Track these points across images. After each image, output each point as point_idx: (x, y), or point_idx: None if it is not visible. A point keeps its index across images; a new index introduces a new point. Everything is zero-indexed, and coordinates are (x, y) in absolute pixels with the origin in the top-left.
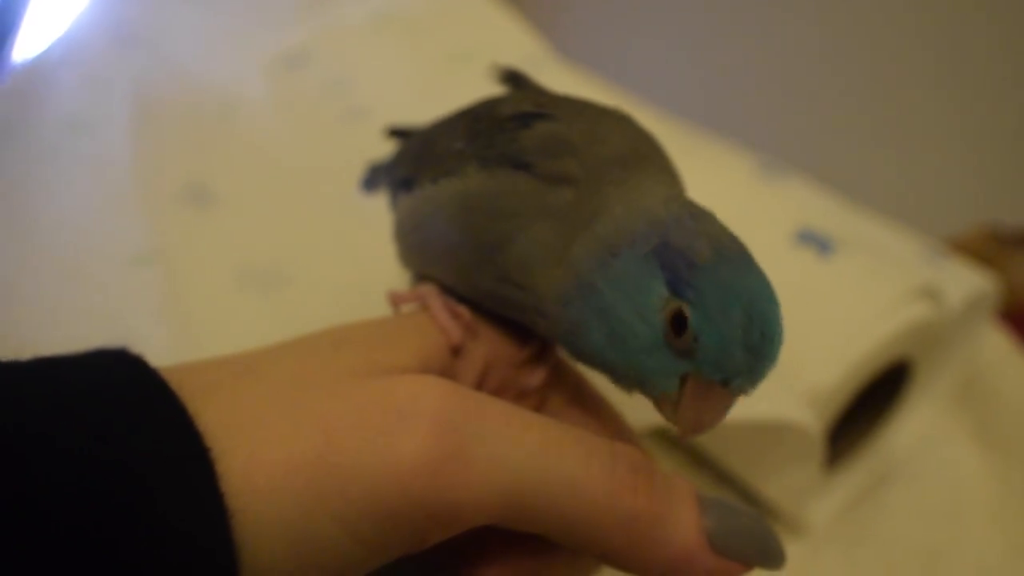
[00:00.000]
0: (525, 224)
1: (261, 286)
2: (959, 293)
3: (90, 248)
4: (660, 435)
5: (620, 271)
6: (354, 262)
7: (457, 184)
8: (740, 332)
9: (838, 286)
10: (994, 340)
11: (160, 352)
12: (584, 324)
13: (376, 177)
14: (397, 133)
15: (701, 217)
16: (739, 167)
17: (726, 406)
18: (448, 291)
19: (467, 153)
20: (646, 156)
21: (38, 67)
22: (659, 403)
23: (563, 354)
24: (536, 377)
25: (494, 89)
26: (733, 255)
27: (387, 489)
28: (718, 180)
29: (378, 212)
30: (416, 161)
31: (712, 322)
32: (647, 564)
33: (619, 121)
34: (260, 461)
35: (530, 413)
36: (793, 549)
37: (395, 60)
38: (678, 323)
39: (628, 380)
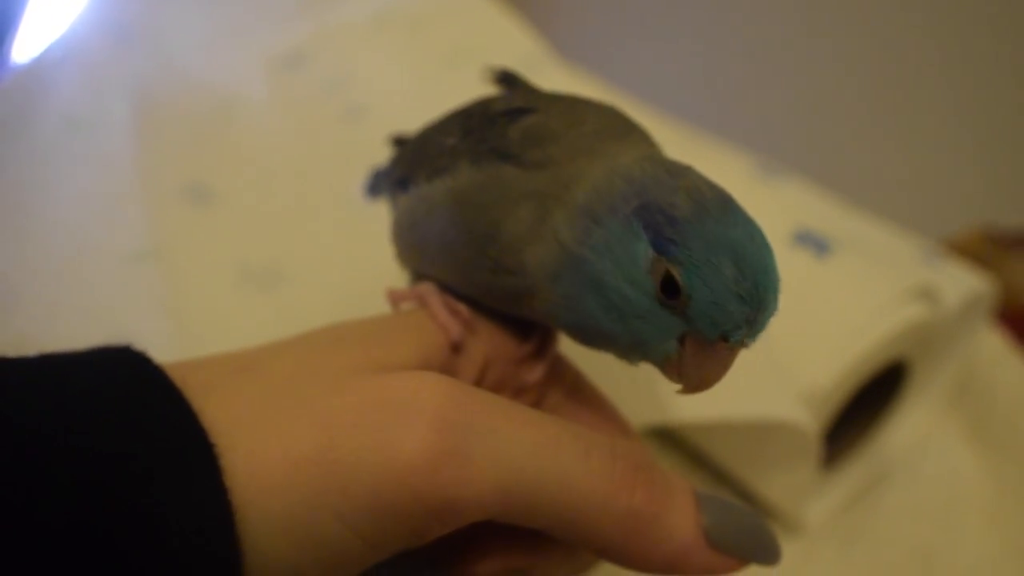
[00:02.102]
0: (510, 209)
1: (260, 284)
2: (955, 294)
3: (89, 246)
4: (658, 433)
5: (603, 238)
6: (353, 261)
7: (449, 182)
8: (732, 284)
9: (835, 287)
10: (990, 341)
11: (159, 349)
12: (577, 297)
13: (379, 182)
14: (401, 142)
15: (678, 171)
16: (736, 168)
17: (728, 361)
18: (446, 289)
19: (459, 151)
20: (622, 129)
21: (38, 66)
22: (663, 367)
23: (562, 348)
24: (535, 373)
25: (492, 89)
26: (714, 205)
27: (387, 485)
28: (716, 181)
29: (377, 211)
30: (411, 161)
31: (702, 279)
32: (645, 559)
33: (599, 106)
34: (263, 457)
35: (529, 409)
36: (789, 548)
37: (394, 59)
38: (668, 284)
39: (629, 348)
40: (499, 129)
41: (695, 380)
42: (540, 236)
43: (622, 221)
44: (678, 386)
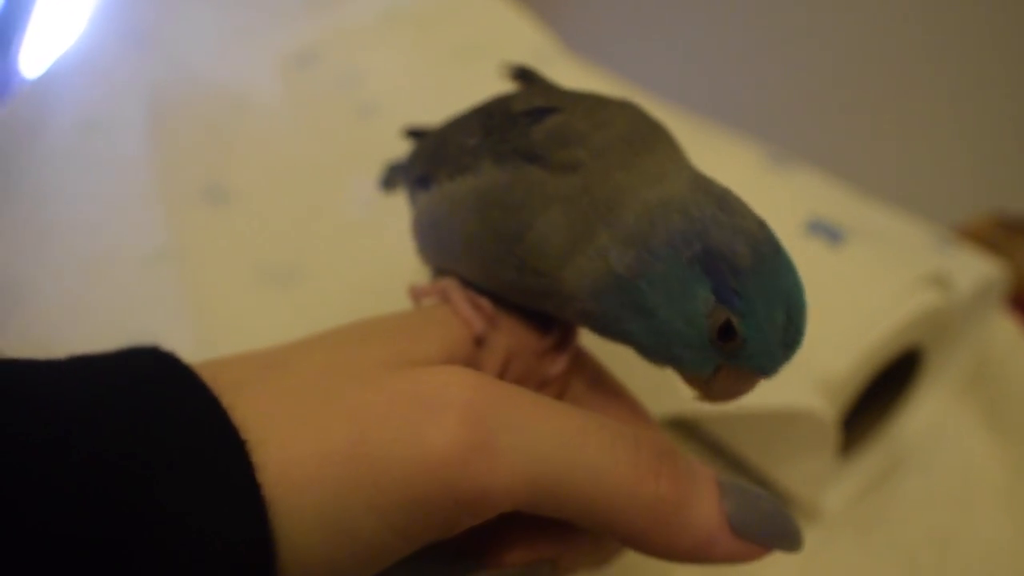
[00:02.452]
0: (538, 212)
1: (279, 283)
2: (968, 280)
3: (109, 247)
4: (675, 423)
5: (662, 273)
6: (369, 257)
7: (472, 181)
8: (782, 333)
9: (849, 275)
10: (1003, 327)
11: (180, 349)
12: (619, 317)
13: (394, 176)
14: (415, 134)
15: (729, 206)
16: (748, 158)
17: (753, 385)
18: (468, 284)
19: (481, 149)
20: (650, 135)
21: (54, 71)
22: (689, 381)
23: (582, 340)
24: (557, 366)
25: (505, 84)
26: (769, 252)
27: (419, 478)
28: (727, 171)
29: (392, 209)
30: (432, 159)
31: (760, 330)
32: (670, 548)
33: (623, 107)
34: (295, 452)
35: (555, 401)
36: (807, 535)
37: (406, 56)
38: (726, 330)
39: (660, 361)
40: (521, 129)
41: (720, 398)
42: (581, 251)
43: (685, 263)
44: (695, 391)
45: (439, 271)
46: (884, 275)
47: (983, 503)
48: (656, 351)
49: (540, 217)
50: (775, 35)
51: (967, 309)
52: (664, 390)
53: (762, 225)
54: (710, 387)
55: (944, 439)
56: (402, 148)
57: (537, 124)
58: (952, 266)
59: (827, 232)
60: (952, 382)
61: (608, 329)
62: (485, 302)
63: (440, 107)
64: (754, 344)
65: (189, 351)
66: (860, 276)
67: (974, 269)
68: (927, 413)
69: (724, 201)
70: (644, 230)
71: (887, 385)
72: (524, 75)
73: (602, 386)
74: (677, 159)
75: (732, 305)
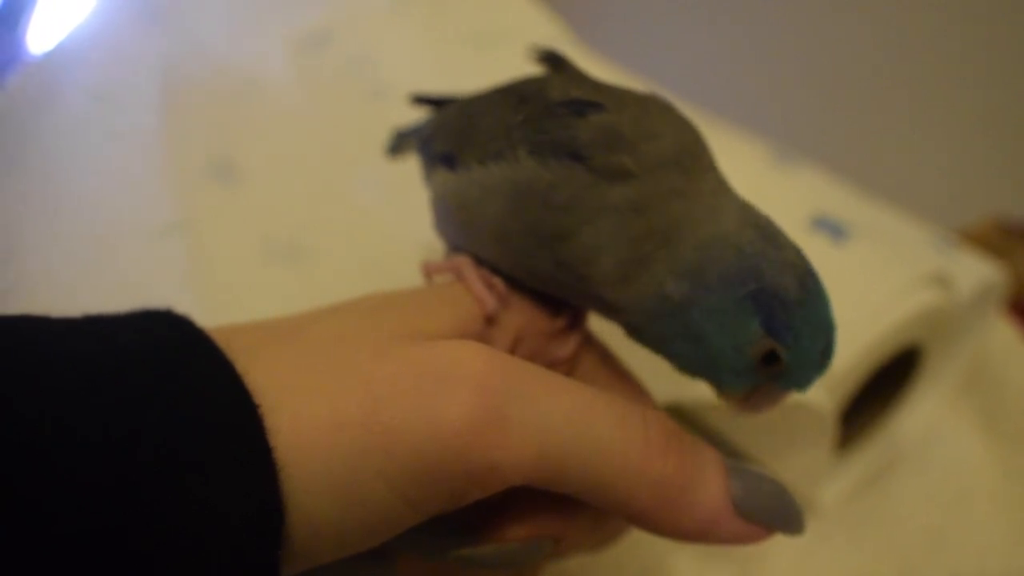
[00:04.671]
0: (587, 219)
1: (286, 259)
2: (969, 282)
3: (117, 220)
4: (673, 412)
5: (716, 306)
6: (377, 237)
7: (507, 171)
8: (820, 359)
9: (851, 271)
10: (1002, 330)
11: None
12: (668, 338)
13: (402, 143)
14: (422, 100)
15: (775, 239)
16: (754, 155)
17: (784, 399)
18: (482, 263)
19: (515, 137)
20: (697, 153)
21: (65, 44)
22: (723, 395)
23: (591, 326)
24: (567, 347)
25: (515, 70)
26: (812, 285)
27: (430, 449)
28: (734, 168)
29: (402, 187)
30: (458, 137)
31: (802, 358)
32: (675, 526)
33: (664, 112)
34: (308, 418)
35: (565, 378)
36: None
37: (417, 40)
38: (771, 358)
39: (697, 377)
40: (563, 121)
41: (753, 412)
42: (636, 276)
43: (739, 299)
44: (728, 403)
45: (454, 248)
46: (886, 273)
47: (977, 504)
48: (696, 370)
49: (588, 226)
50: (781, 32)
51: (967, 310)
52: (663, 378)
53: (799, 254)
54: (745, 403)
55: (940, 439)
56: (415, 119)
57: (580, 119)
58: (953, 267)
59: (831, 229)
60: (950, 383)
61: (650, 343)
62: (498, 281)
63: (451, 90)
64: (796, 369)
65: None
66: (862, 273)
67: (975, 271)
68: (924, 413)
69: (768, 233)
70: (701, 265)
71: (885, 384)
72: (552, 60)
73: (608, 369)
74: (724, 187)
75: (782, 338)
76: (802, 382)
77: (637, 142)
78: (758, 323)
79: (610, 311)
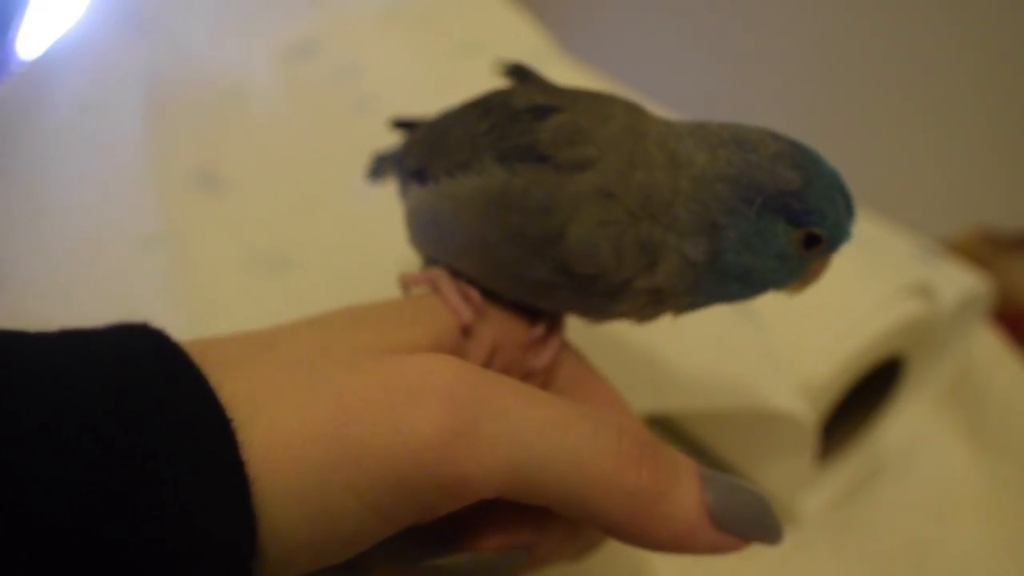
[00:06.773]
0: (569, 216)
1: (270, 270)
2: (952, 292)
3: (101, 230)
4: (654, 421)
5: (740, 239)
6: (361, 247)
7: (476, 180)
8: (845, 210)
9: (834, 281)
10: (986, 340)
11: (170, 333)
12: (720, 290)
13: (382, 167)
14: (403, 125)
15: (748, 143)
16: None
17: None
18: (458, 275)
19: (480, 146)
20: (643, 115)
21: (51, 53)
22: (784, 291)
23: (569, 335)
24: (542, 358)
25: (500, 81)
26: (806, 159)
27: (401, 462)
28: None
29: (385, 199)
30: (427, 152)
31: (835, 222)
32: (650, 537)
33: (612, 97)
34: (279, 432)
35: (538, 390)
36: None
37: (404, 51)
38: (811, 240)
39: (762, 294)
40: (524, 126)
41: (815, 282)
42: (662, 259)
43: (755, 219)
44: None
45: (430, 260)
46: (868, 283)
47: (960, 514)
48: (760, 292)
49: (573, 223)
50: (767, 42)
51: (950, 320)
52: (644, 387)
53: (776, 137)
54: (804, 284)
55: (923, 449)
56: (396, 141)
57: (541, 122)
58: (937, 277)
59: None
60: (933, 393)
61: (707, 304)
62: (474, 293)
63: (437, 103)
64: (834, 233)
65: (179, 335)
66: (845, 283)
67: (958, 281)
68: (907, 423)
69: (737, 140)
70: (700, 216)
71: (868, 394)
72: (519, 73)
73: (585, 379)
74: (670, 126)
75: (811, 222)
76: (844, 236)
77: (595, 128)
78: (784, 224)
79: (653, 303)
